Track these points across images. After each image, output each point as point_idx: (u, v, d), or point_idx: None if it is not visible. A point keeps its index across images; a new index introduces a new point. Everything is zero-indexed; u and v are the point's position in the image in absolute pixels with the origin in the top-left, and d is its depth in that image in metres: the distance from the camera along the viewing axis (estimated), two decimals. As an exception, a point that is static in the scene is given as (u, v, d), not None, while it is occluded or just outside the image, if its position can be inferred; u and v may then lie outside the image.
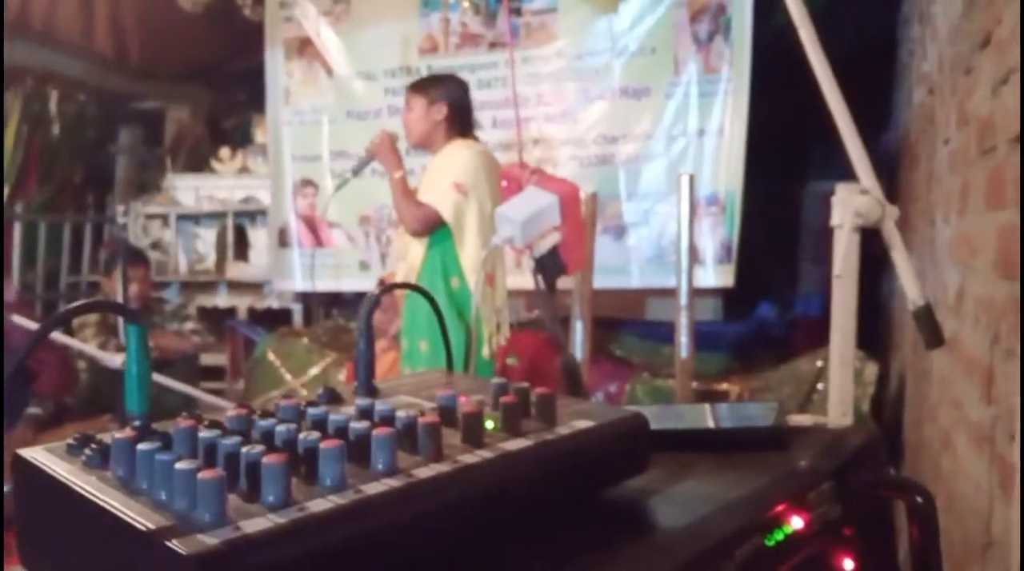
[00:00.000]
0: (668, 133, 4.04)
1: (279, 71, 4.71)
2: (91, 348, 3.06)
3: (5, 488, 0.62)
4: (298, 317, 5.26)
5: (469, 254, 2.74)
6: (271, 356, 4.31)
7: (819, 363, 3.49)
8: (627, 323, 4.46)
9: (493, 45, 4.33)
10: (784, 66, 2.83)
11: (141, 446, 0.52)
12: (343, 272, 4.50)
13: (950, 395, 2.05)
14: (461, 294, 2.73)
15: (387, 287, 0.75)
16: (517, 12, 4.23)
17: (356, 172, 2.92)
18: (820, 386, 3.41)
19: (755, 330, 4.68)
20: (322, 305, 5.31)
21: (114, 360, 2.81)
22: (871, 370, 3.36)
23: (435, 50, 4.41)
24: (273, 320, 5.18)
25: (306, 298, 5.23)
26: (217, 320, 5.31)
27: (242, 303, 5.43)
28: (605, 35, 4.14)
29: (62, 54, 5.30)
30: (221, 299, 5.47)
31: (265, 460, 0.50)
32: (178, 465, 0.49)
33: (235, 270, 5.46)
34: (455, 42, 4.39)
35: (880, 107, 4.49)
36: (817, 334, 3.93)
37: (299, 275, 4.75)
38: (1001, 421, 1.36)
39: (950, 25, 2.32)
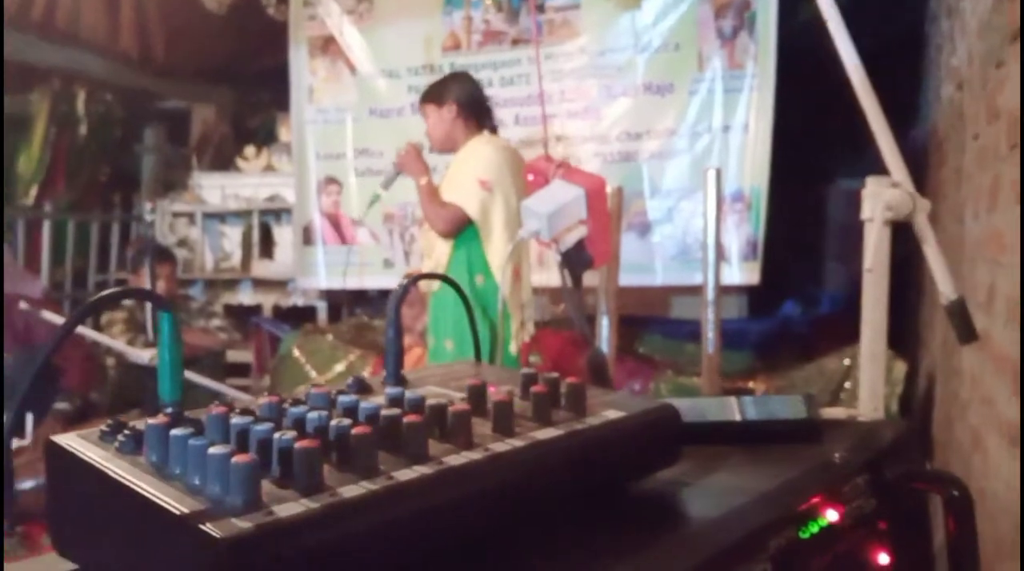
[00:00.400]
0: (692, 129, 4.02)
1: (303, 69, 4.73)
2: (119, 344, 3.10)
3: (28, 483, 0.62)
4: (323, 314, 5.28)
5: (496, 249, 2.74)
6: (296, 353, 4.33)
7: (846, 361, 3.46)
8: (651, 321, 4.43)
9: (516, 42, 4.33)
10: (809, 63, 2.81)
11: (174, 432, 0.52)
12: (367, 270, 4.50)
13: (981, 393, 2.02)
14: (486, 291, 2.73)
15: (416, 277, 0.75)
16: (540, 9, 4.22)
17: (386, 186, 2.97)
18: (847, 384, 3.38)
19: (780, 328, 4.63)
20: (346, 302, 5.33)
21: (141, 356, 2.85)
22: (899, 368, 3.33)
23: (458, 48, 4.41)
24: (298, 317, 5.20)
25: (331, 295, 5.26)
26: (243, 317, 5.36)
27: (267, 301, 5.47)
28: (628, 31, 4.11)
29: (88, 54, 5.36)
30: (246, 296, 5.51)
31: (297, 445, 0.50)
32: (211, 450, 0.49)
33: (260, 268, 5.50)
34: (478, 40, 4.38)
35: (907, 104, 4.44)
36: (843, 332, 3.90)
37: (323, 272, 4.77)
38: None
39: (980, 19, 2.28)
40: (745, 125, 3.91)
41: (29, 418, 2.63)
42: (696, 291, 2.95)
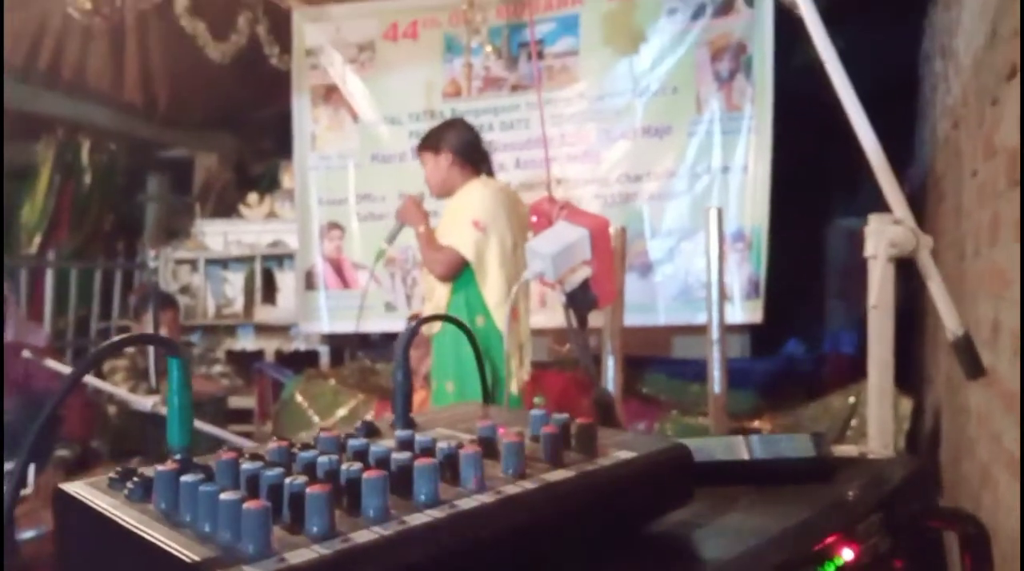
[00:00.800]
0: (691, 170, 4.05)
1: (306, 117, 4.78)
2: (122, 391, 3.09)
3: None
4: (325, 359, 5.27)
5: (493, 289, 2.75)
6: (299, 398, 4.32)
7: (851, 399, 3.44)
8: (654, 361, 4.42)
9: (515, 88, 4.38)
10: (807, 105, 2.84)
11: (184, 478, 0.52)
12: (369, 313, 4.50)
13: (988, 429, 2.00)
14: (486, 332, 2.73)
15: (424, 319, 0.75)
16: (540, 55, 4.28)
17: (390, 241, 2.97)
18: (854, 422, 3.35)
19: (784, 367, 4.62)
20: (349, 347, 5.32)
21: (144, 403, 2.83)
22: (905, 405, 3.31)
23: (458, 94, 4.46)
24: (300, 362, 5.19)
25: (333, 340, 5.25)
26: (245, 363, 5.35)
27: (270, 346, 5.46)
28: (626, 76, 4.17)
29: (92, 104, 5.43)
30: (249, 342, 5.51)
31: (309, 491, 0.50)
32: (222, 496, 0.48)
33: (263, 313, 5.50)
34: (478, 86, 4.44)
35: (904, 143, 4.48)
36: (847, 371, 3.89)
37: (326, 317, 4.77)
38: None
39: (974, 58, 2.31)
40: (744, 166, 3.94)
41: (31, 467, 2.60)
42: (698, 331, 2.95)
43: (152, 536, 0.49)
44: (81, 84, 5.17)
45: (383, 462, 0.57)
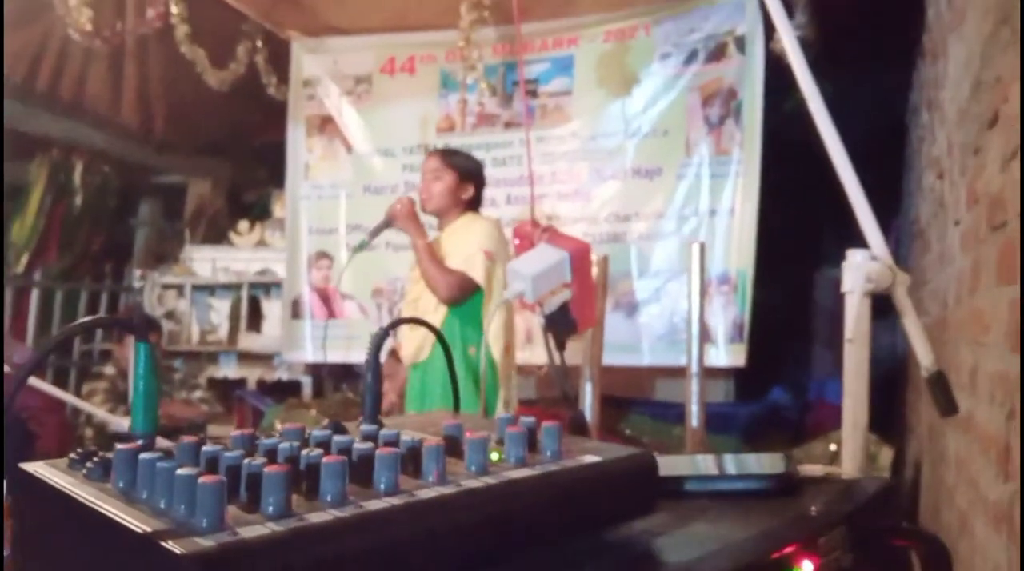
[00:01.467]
0: (679, 212, 4.09)
1: (300, 146, 4.82)
2: (101, 412, 3.06)
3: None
4: (307, 390, 5.24)
5: (494, 319, 2.76)
6: (279, 427, 4.27)
7: (832, 446, 3.44)
8: (637, 403, 4.41)
9: (508, 125, 4.44)
10: (795, 152, 2.88)
11: (143, 455, 0.52)
12: (354, 344, 4.49)
13: (967, 475, 2.00)
14: (477, 363, 2.72)
15: (396, 321, 0.76)
16: (534, 94, 4.34)
17: (374, 235, 2.87)
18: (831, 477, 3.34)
19: (767, 412, 4.61)
20: (332, 378, 5.29)
21: (122, 424, 2.81)
22: (886, 454, 3.31)
23: (452, 129, 4.51)
24: (282, 392, 5.16)
25: (316, 371, 5.23)
26: (227, 390, 5.31)
27: (252, 374, 5.43)
28: (618, 117, 4.23)
29: (88, 126, 5.45)
30: (231, 370, 5.47)
31: (267, 470, 0.49)
32: (179, 471, 0.48)
33: (247, 341, 5.48)
34: (472, 122, 4.49)
35: (890, 195, 4.53)
36: (832, 419, 3.88)
37: (311, 346, 4.76)
38: (1019, 497, 1.33)
39: (958, 108, 2.36)
40: (731, 209, 3.98)
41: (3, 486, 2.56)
42: (683, 373, 2.94)
43: (106, 510, 0.49)
44: (79, 105, 5.19)
45: (345, 451, 0.57)
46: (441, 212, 2.91)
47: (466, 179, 2.92)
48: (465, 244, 2.81)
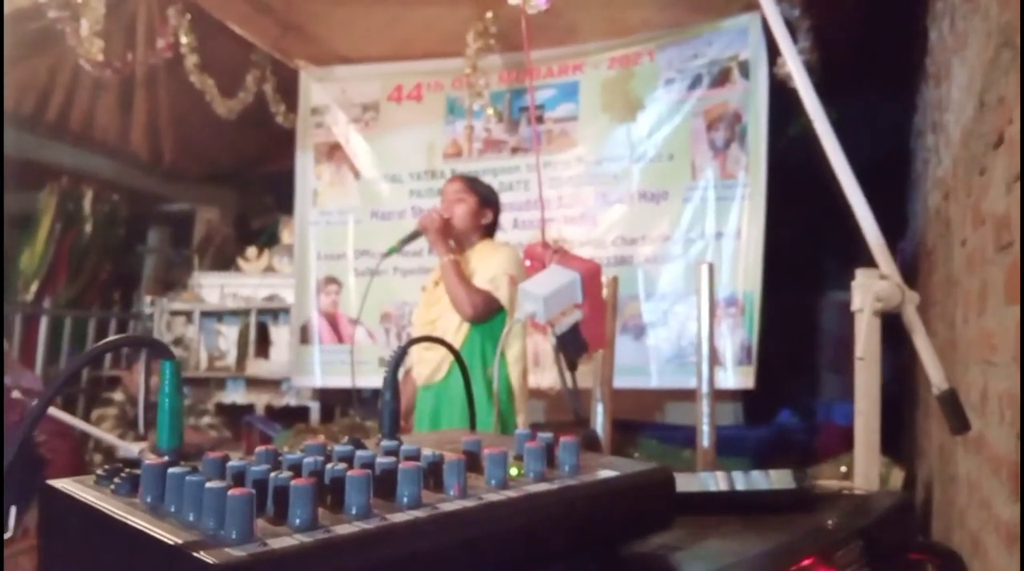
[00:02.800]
0: (686, 235, 4.10)
1: (308, 174, 4.86)
2: (111, 437, 3.06)
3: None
4: (315, 415, 5.24)
5: (514, 344, 2.81)
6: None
7: (843, 468, 3.42)
8: (647, 426, 4.40)
9: (515, 150, 4.47)
10: (800, 176, 2.90)
11: (172, 470, 0.53)
12: (361, 369, 4.50)
13: (978, 496, 2.00)
14: (499, 383, 2.74)
15: (417, 339, 0.77)
16: (540, 120, 4.38)
17: (405, 243, 2.90)
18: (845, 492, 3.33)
19: (777, 435, 4.60)
20: (340, 403, 5.29)
21: (131, 449, 2.81)
22: (896, 476, 3.29)
23: (459, 155, 4.55)
24: (291, 417, 5.16)
25: (324, 396, 5.23)
26: (235, 416, 5.31)
27: (260, 400, 5.43)
28: (624, 142, 4.26)
29: (98, 155, 5.51)
30: (239, 395, 5.48)
31: (294, 483, 0.50)
32: (208, 484, 0.49)
33: (255, 367, 5.49)
34: (479, 147, 4.53)
35: (896, 217, 4.54)
36: (841, 441, 3.87)
37: (319, 371, 4.76)
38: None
39: (963, 129, 2.37)
40: (737, 232, 3.99)
41: (12, 510, 2.57)
42: (691, 396, 2.95)
43: (136, 523, 0.50)
44: (88, 135, 5.25)
45: (368, 465, 0.58)
46: (462, 234, 2.93)
47: (486, 205, 2.97)
48: (489, 267, 2.83)
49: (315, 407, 5.26)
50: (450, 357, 2.72)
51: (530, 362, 3.24)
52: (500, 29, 4.06)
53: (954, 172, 2.60)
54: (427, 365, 2.85)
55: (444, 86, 4.61)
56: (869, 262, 1.37)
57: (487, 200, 2.99)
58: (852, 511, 0.74)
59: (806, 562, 0.62)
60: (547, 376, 3.26)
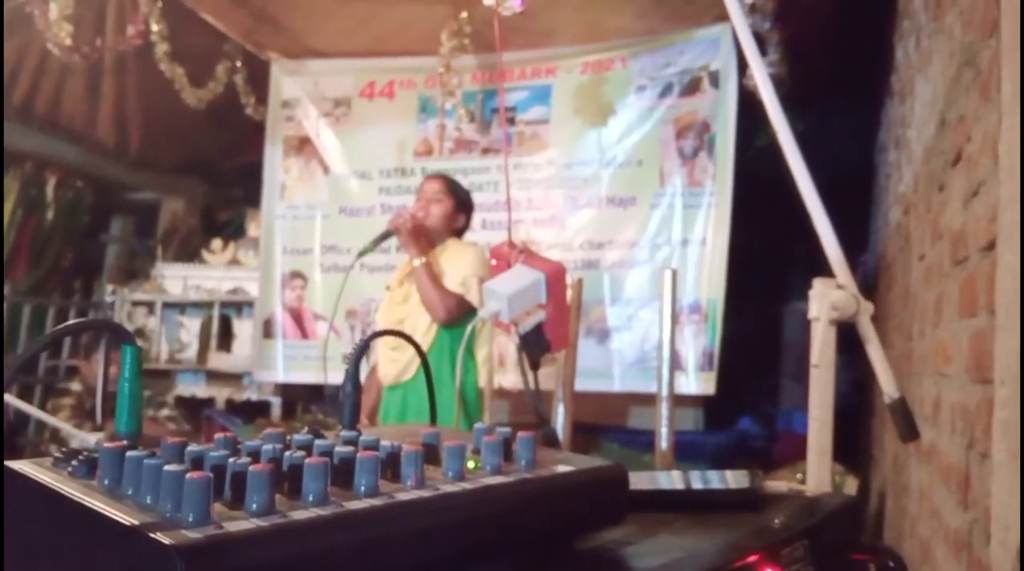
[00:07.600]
0: (652, 241, 4.14)
1: (277, 167, 4.83)
2: (67, 426, 3.03)
3: None
4: (277, 410, 5.20)
5: (483, 346, 2.83)
6: (247, 447, 4.24)
7: (799, 475, 3.47)
8: (609, 429, 4.43)
9: (486, 151, 4.48)
10: (766, 187, 2.95)
11: (130, 453, 0.53)
12: (326, 364, 4.47)
13: (929, 505, 2.04)
14: (465, 384, 2.74)
15: (381, 333, 0.78)
16: (511, 121, 4.40)
17: (377, 243, 2.85)
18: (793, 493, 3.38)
19: (736, 441, 4.66)
20: (302, 399, 5.26)
21: (88, 439, 2.78)
22: (851, 484, 3.35)
23: (430, 153, 4.55)
24: (252, 412, 5.12)
25: (286, 391, 5.19)
26: (195, 409, 5.25)
27: (221, 394, 5.38)
28: (594, 147, 4.29)
29: (63, 140, 5.42)
30: (200, 388, 5.42)
31: (251, 469, 0.51)
32: (166, 467, 0.50)
33: (217, 360, 5.43)
34: (449, 147, 4.53)
35: (857, 231, 4.62)
36: (799, 449, 3.92)
37: (282, 366, 4.73)
38: (978, 524, 1.36)
39: (924, 146, 2.42)
40: (703, 239, 4.04)
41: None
42: (654, 401, 2.98)
43: (94, 505, 0.50)
44: (54, 120, 5.17)
45: (326, 454, 0.59)
46: (433, 234, 2.93)
47: (461, 210, 2.99)
48: (459, 269, 2.83)
49: (277, 402, 5.22)
50: (412, 365, 2.74)
51: (495, 362, 3.26)
52: (475, 29, 4.07)
53: (915, 188, 2.65)
54: (395, 365, 2.85)
55: (417, 84, 4.61)
56: (831, 273, 1.40)
57: (463, 204, 3.00)
58: (799, 511, 0.76)
59: (752, 558, 0.64)
60: (510, 376, 3.28)
